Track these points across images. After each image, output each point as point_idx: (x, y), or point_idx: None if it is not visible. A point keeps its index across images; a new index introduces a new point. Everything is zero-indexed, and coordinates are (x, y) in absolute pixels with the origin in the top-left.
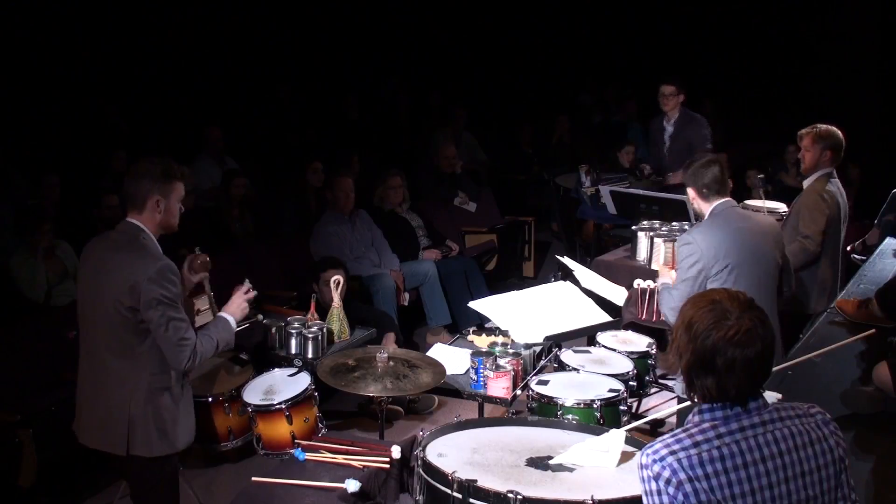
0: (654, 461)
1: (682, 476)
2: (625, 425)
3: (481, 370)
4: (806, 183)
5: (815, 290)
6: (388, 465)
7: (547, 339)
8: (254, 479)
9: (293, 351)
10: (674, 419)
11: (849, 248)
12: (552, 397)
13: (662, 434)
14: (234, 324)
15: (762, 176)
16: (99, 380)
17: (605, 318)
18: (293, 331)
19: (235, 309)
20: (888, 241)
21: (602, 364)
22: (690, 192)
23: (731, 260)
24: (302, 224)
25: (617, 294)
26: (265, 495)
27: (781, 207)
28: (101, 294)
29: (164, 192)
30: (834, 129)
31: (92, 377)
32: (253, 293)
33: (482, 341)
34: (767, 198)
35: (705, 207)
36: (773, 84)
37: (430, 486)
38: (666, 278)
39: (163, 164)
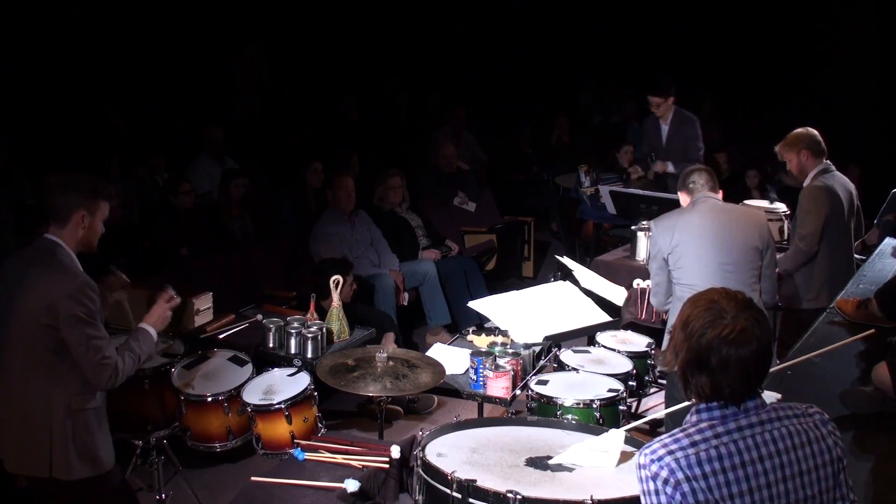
0: (652, 461)
1: (680, 476)
2: (624, 425)
3: (481, 370)
4: (805, 184)
5: (809, 287)
6: (387, 465)
7: (546, 339)
8: (253, 478)
9: (293, 351)
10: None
11: None
12: (551, 397)
13: (661, 434)
14: (154, 335)
15: (774, 195)
16: (17, 401)
17: (605, 318)
18: (293, 331)
19: (157, 319)
20: (888, 241)
21: (601, 364)
22: (682, 195)
23: (682, 244)
24: (302, 224)
25: (616, 294)
26: (264, 495)
27: (781, 208)
28: (18, 313)
29: (91, 209)
30: (801, 129)
31: (9, 398)
32: (176, 301)
33: (482, 341)
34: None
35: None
36: (773, 84)
37: (430, 485)
38: None
39: (92, 181)
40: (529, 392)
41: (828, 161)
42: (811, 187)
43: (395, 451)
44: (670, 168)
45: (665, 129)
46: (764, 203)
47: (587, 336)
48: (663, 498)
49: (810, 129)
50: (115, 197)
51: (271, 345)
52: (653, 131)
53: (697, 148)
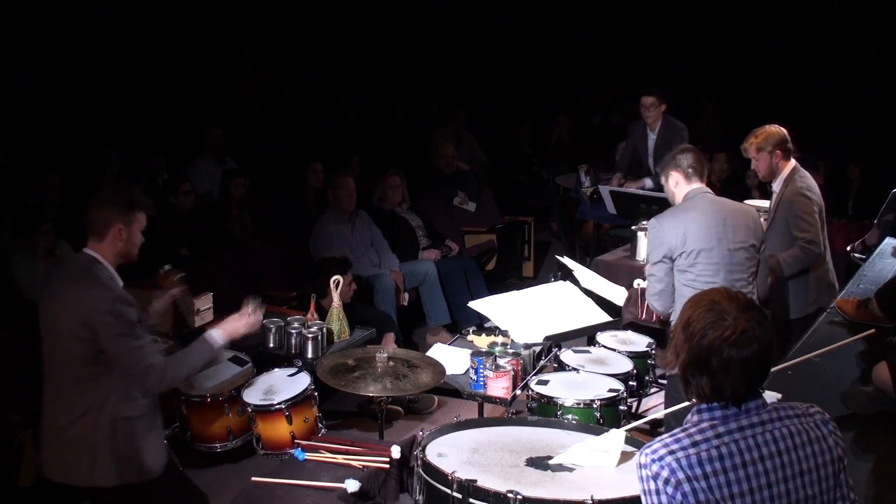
0: (653, 461)
1: (681, 476)
2: (624, 425)
3: (481, 370)
4: (776, 186)
5: (809, 292)
6: (387, 465)
7: (547, 339)
8: (253, 479)
9: (293, 351)
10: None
11: (849, 248)
12: (552, 397)
13: (662, 434)
14: (217, 342)
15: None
16: (63, 414)
17: (605, 318)
18: (293, 331)
19: (227, 330)
20: (888, 241)
21: (602, 364)
22: (675, 175)
23: (695, 245)
24: (302, 224)
25: (617, 294)
26: (265, 495)
27: None
28: (57, 329)
29: (127, 221)
30: (771, 127)
31: (55, 412)
32: (257, 317)
33: (482, 341)
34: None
35: (684, 191)
36: (773, 84)
37: (430, 486)
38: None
39: (127, 193)
40: (530, 392)
41: (795, 160)
42: (799, 192)
43: (396, 452)
44: (648, 184)
45: (652, 137)
46: (764, 203)
47: (587, 336)
48: (664, 498)
49: (781, 128)
50: (150, 207)
51: (271, 345)
52: (639, 138)
53: None
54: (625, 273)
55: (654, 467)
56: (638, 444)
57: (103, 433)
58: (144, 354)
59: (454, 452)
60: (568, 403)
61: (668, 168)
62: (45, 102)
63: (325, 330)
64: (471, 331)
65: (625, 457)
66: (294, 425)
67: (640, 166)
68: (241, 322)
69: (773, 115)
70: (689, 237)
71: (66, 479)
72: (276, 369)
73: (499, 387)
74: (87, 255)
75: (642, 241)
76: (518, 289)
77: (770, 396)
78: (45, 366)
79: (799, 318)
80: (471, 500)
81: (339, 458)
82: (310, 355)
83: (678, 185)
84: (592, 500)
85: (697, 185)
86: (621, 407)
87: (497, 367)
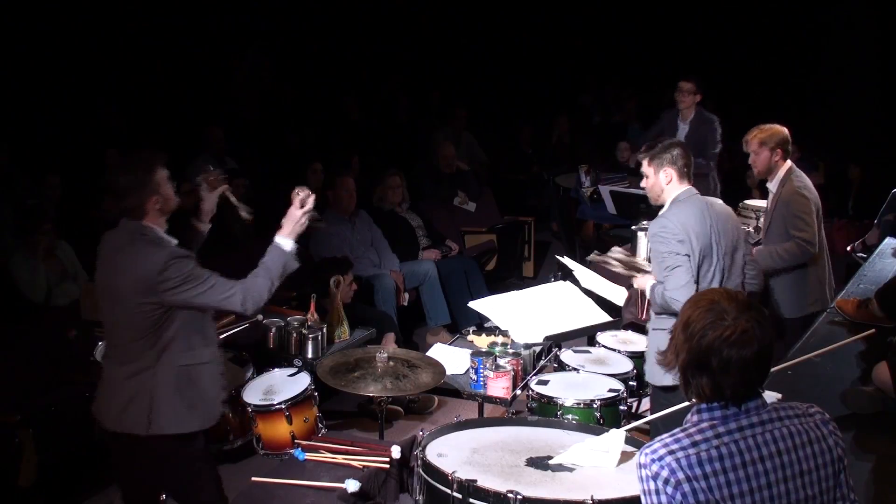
0: (653, 461)
1: (681, 476)
2: (624, 425)
3: (481, 370)
4: (772, 186)
5: (806, 292)
6: (387, 465)
7: (547, 339)
8: (254, 479)
9: (293, 351)
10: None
11: (849, 248)
12: (552, 397)
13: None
14: (288, 247)
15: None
16: (123, 364)
17: (605, 318)
18: (293, 331)
19: (291, 228)
20: (888, 240)
21: (602, 364)
22: (670, 171)
23: (701, 247)
24: None
25: (617, 294)
26: (265, 495)
27: None
28: (116, 292)
29: (154, 189)
30: (776, 126)
31: (116, 362)
32: (310, 202)
33: (482, 341)
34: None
35: (674, 191)
36: (774, 84)
37: (430, 486)
38: (647, 278)
39: (138, 168)
40: (530, 392)
41: (792, 162)
42: (796, 191)
43: (396, 452)
44: None
45: (684, 128)
46: (763, 203)
47: (587, 336)
48: (664, 498)
49: (784, 128)
50: (158, 154)
51: (271, 345)
52: (669, 127)
53: (715, 146)
54: (625, 273)
55: (654, 467)
56: (638, 444)
57: (164, 382)
58: (217, 290)
59: (454, 452)
60: (568, 403)
61: (664, 163)
62: (46, 102)
63: (325, 330)
64: (471, 331)
65: (625, 457)
66: (294, 425)
67: None
68: (298, 213)
69: (773, 115)
70: (700, 239)
71: (123, 428)
72: (276, 369)
73: (499, 387)
74: (132, 223)
75: (642, 241)
76: (518, 289)
77: (770, 396)
78: (105, 322)
79: (797, 318)
80: (471, 500)
81: (339, 458)
82: (310, 355)
83: (671, 182)
84: (592, 500)
85: (687, 185)
86: (621, 407)
87: (497, 367)
